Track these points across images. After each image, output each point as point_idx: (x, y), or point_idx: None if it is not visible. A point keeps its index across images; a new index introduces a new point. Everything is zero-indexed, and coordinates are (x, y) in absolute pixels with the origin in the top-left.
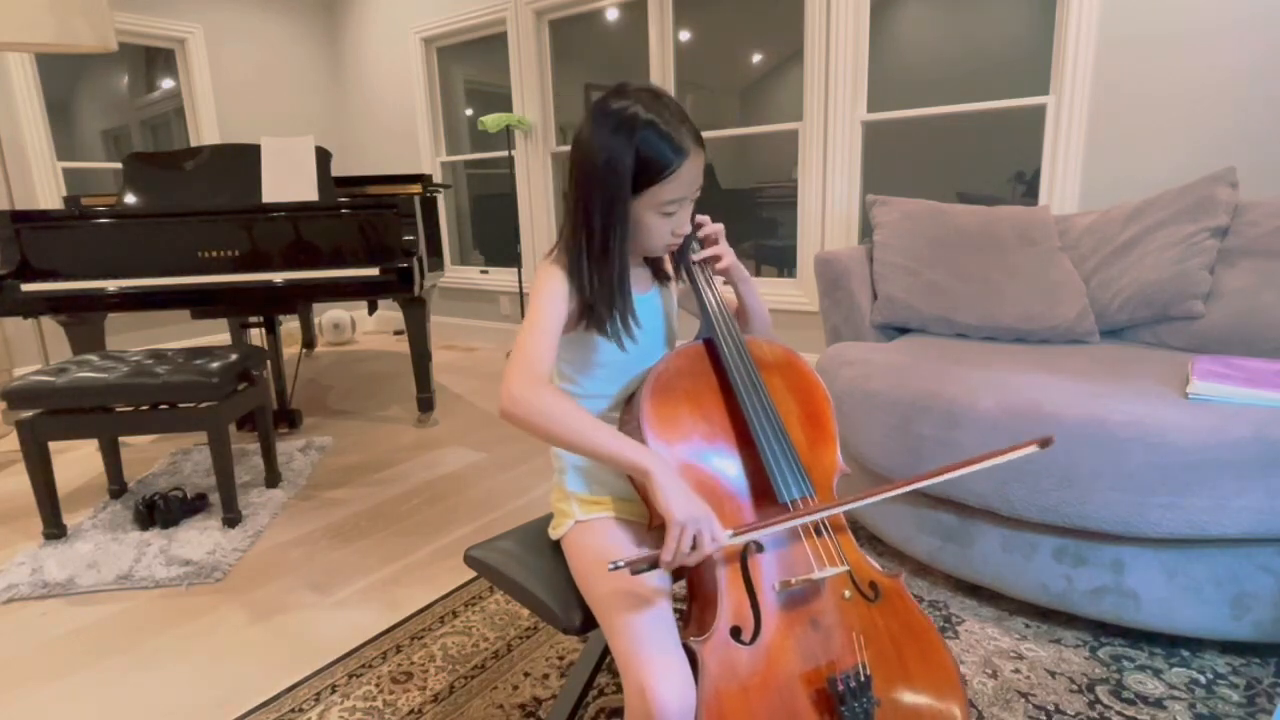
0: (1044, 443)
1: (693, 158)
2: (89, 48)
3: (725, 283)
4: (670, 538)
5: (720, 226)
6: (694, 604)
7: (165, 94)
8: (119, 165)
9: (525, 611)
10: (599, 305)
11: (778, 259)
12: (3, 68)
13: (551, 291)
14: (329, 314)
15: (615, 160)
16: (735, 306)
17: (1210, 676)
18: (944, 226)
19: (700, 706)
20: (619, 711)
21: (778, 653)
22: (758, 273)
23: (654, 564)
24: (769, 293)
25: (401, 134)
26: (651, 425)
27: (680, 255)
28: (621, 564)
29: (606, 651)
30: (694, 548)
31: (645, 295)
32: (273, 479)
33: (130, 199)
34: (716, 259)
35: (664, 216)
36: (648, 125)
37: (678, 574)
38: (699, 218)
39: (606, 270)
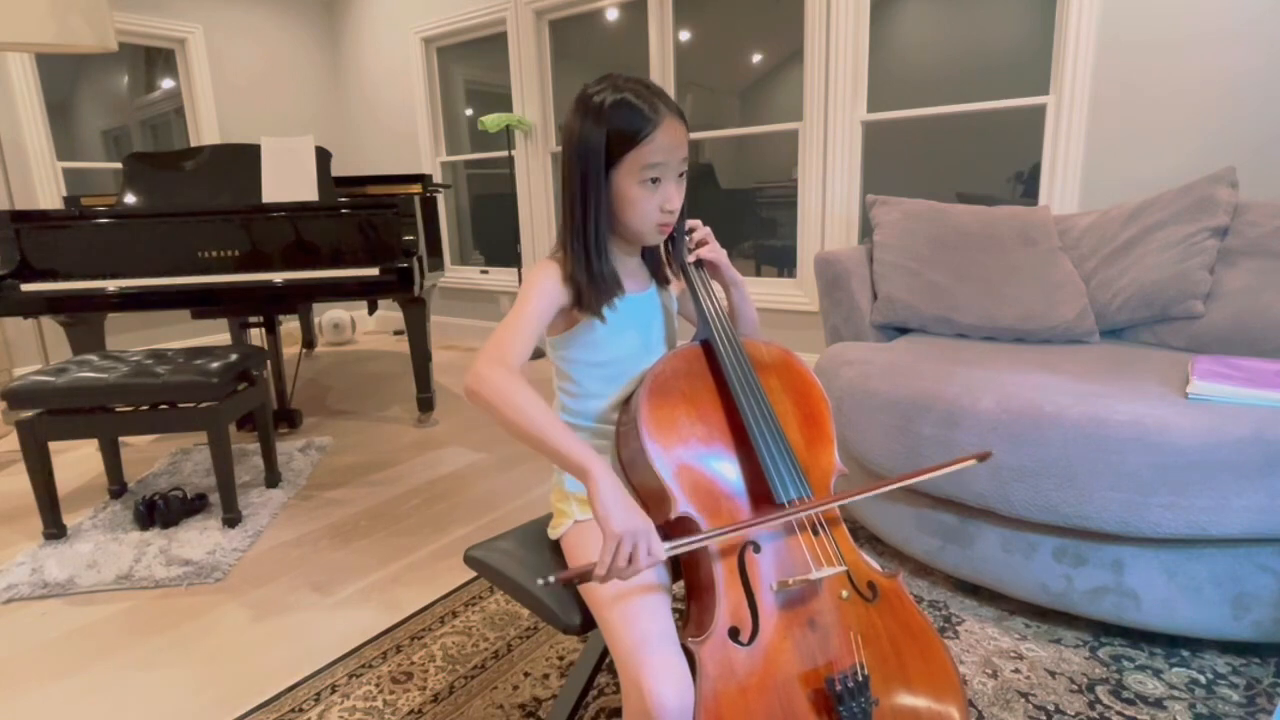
0: (981, 457)
1: (668, 123)
2: (89, 48)
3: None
4: (605, 550)
5: (708, 229)
6: (692, 604)
7: (165, 94)
8: (119, 165)
9: (525, 611)
10: (579, 275)
11: (778, 259)
12: (3, 68)
13: (539, 284)
14: (329, 314)
15: (589, 137)
16: (726, 310)
17: (1210, 676)
18: (944, 226)
19: (698, 707)
20: (619, 711)
21: (775, 653)
22: (757, 273)
23: (586, 577)
24: (769, 292)
25: (401, 134)
26: (649, 426)
27: (676, 254)
28: (552, 579)
29: (606, 651)
30: (630, 561)
31: (644, 294)
32: (273, 479)
33: (130, 199)
34: (707, 243)
35: (647, 187)
36: (618, 101)
37: (676, 574)
38: (690, 221)
39: (587, 239)
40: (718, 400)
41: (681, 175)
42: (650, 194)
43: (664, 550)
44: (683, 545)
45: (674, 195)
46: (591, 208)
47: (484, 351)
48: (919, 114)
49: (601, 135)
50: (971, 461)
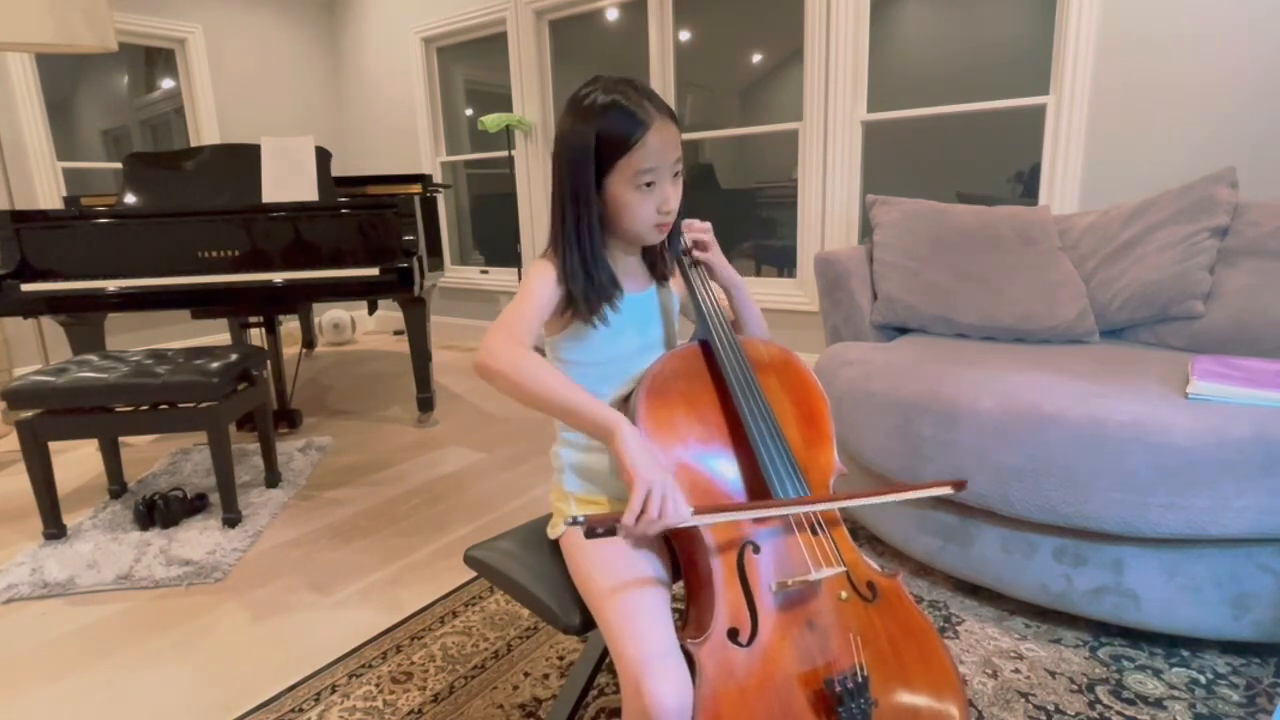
0: (957, 485)
1: (658, 126)
2: (89, 48)
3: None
4: (634, 498)
5: (707, 224)
6: (691, 605)
7: (165, 94)
8: (119, 165)
9: (525, 611)
10: (575, 285)
11: (778, 259)
12: (3, 68)
13: (537, 277)
14: (329, 314)
15: (580, 142)
16: (728, 313)
17: (1210, 676)
18: (944, 226)
19: (697, 708)
20: (619, 712)
21: (775, 654)
22: (757, 273)
23: (612, 527)
24: (769, 293)
25: (401, 134)
26: (647, 427)
27: (672, 249)
28: (581, 519)
29: (606, 652)
30: (659, 514)
31: (643, 294)
32: (273, 479)
33: (130, 199)
34: (704, 249)
35: (642, 191)
36: (608, 104)
37: (676, 574)
38: (690, 220)
39: (581, 250)
40: (716, 400)
41: (677, 175)
42: (647, 197)
43: (689, 512)
44: (710, 516)
45: (671, 196)
46: (585, 216)
47: (493, 330)
48: (919, 114)
49: (591, 140)
50: (946, 489)
